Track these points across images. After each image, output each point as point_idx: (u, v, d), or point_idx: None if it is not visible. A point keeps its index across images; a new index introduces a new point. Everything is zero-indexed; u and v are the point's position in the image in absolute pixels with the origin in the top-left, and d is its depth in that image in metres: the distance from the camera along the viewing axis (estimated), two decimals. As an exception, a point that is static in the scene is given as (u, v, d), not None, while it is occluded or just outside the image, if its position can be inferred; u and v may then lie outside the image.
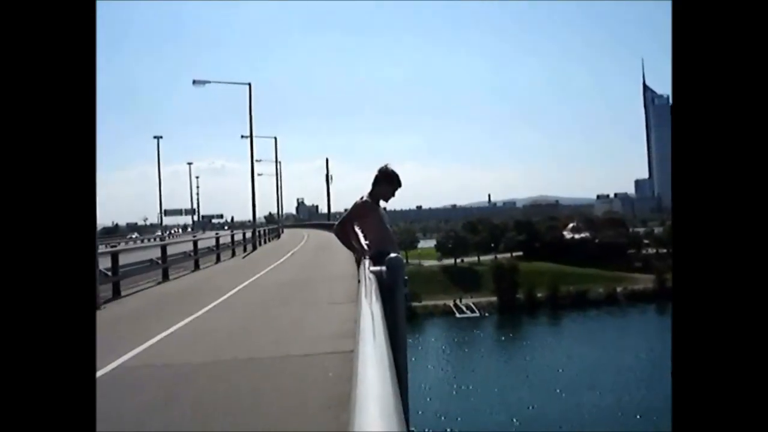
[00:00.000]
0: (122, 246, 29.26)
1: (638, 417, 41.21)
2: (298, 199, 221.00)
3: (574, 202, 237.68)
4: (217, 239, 26.58)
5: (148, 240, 50.84)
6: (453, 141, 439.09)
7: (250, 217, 37.70)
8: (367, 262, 5.67)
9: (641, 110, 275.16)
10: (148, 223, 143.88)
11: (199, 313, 10.98)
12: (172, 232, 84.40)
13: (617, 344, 60.34)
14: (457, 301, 79.59)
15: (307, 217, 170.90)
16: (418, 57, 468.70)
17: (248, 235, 34.77)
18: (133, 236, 66.60)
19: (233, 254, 28.23)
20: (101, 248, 17.49)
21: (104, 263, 14.27)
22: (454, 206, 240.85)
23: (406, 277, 4.06)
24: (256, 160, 41.61)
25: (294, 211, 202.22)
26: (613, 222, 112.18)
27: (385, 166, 6.72)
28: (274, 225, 58.98)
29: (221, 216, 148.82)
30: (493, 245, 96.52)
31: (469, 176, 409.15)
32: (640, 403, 43.89)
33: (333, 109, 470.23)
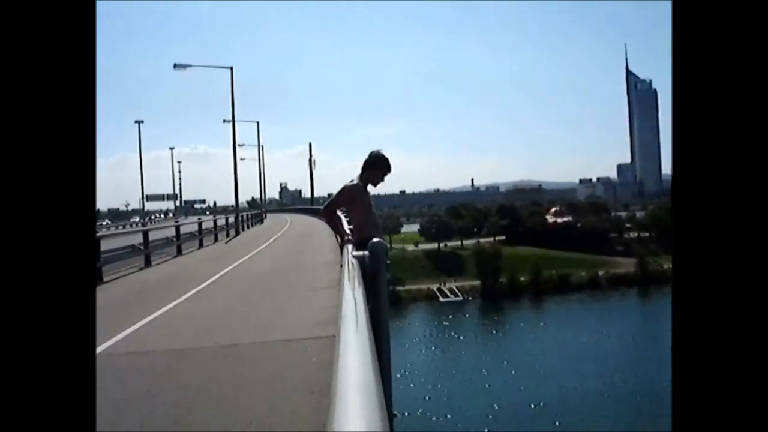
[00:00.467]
0: (104, 232, 29.00)
1: (622, 398, 41.77)
2: (281, 184, 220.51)
3: (557, 187, 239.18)
4: (200, 224, 26.39)
5: (122, 227, 48.27)
6: (436, 126, 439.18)
7: (233, 202, 37.53)
8: (350, 247, 5.65)
9: (624, 95, 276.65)
10: (129, 208, 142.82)
11: (182, 298, 10.92)
12: (153, 218, 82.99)
13: (599, 328, 61.00)
14: (441, 286, 79.97)
15: (290, 202, 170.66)
16: (402, 42, 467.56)
17: (231, 220, 34.56)
18: (103, 223, 58.99)
19: (216, 239, 28.09)
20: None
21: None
22: (437, 191, 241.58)
23: (388, 262, 4.05)
24: (239, 145, 41.39)
25: (277, 196, 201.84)
26: (595, 207, 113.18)
27: (376, 151, 6.69)
28: (257, 210, 58.61)
29: (204, 201, 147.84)
30: (476, 230, 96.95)
31: (453, 161, 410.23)
32: (623, 385, 44.48)
33: (316, 96, 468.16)
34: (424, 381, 47.35)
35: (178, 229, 22.86)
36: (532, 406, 40.91)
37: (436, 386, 46.33)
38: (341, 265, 5.19)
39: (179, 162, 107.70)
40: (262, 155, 65.20)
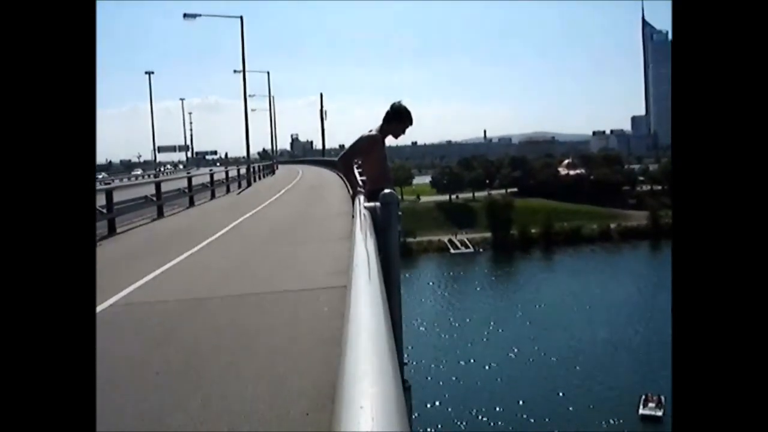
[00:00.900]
0: (116, 183, 29.09)
1: (632, 350, 42.20)
2: (292, 135, 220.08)
3: (570, 139, 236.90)
4: (212, 176, 26.41)
5: (120, 180, 46.04)
6: (449, 76, 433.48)
7: (245, 154, 37.44)
8: (361, 197, 5.65)
9: (640, 46, 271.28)
10: (141, 159, 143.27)
11: (195, 249, 11.01)
12: (163, 170, 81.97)
13: (610, 280, 61.17)
14: (452, 237, 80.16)
15: (301, 153, 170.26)
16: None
17: (243, 171, 34.55)
18: (100, 176, 53.51)
19: (228, 191, 28.16)
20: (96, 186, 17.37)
21: (99, 200, 14.22)
22: (449, 142, 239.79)
23: (400, 213, 4.05)
24: (250, 95, 41.19)
25: (288, 147, 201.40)
26: (608, 159, 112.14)
27: (398, 102, 6.49)
28: (269, 161, 58.53)
29: (215, 152, 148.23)
30: (487, 182, 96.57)
31: (465, 112, 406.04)
32: (633, 336, 44.85)
33: (327, 43, 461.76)
34: (434, 330, 47.91)
35: (190, 180, 22.91)
36: (544, 354, 41.44)
37: (446, 336, 46.88)
38: (353, 216, 5.20)
39: (190, 113, 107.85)
40: (274, 106, 64.91)
